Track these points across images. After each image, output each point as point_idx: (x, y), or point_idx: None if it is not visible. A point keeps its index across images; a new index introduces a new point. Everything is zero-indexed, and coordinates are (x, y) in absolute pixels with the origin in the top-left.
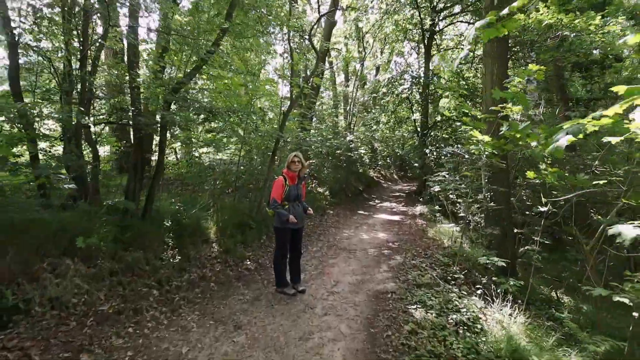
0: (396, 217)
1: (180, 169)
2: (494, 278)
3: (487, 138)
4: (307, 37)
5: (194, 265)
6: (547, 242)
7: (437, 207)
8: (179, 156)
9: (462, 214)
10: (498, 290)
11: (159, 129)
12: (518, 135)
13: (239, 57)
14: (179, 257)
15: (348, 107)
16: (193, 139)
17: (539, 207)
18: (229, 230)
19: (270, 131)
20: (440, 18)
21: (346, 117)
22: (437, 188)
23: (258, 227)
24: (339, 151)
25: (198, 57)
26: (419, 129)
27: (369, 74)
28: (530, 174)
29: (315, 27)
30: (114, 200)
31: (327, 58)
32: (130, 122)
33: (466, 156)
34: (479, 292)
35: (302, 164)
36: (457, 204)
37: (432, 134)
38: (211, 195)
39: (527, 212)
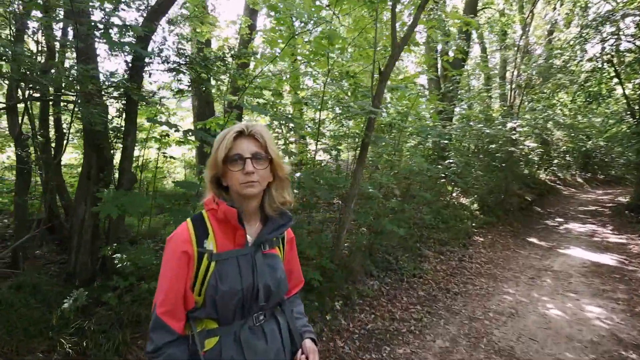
0: (608, 258)
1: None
2: None
3: None
4: None
5: None
6: None
7: None
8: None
9: None
10: None
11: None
12: None
13: None
14: None
15: (509, 85)
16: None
17: None
18: None
19: (357, 104)
20: None
21: (504, 99)
22: None
23: (330, 280)
24: (493, 145)
25: None
26: (635, 107)
27: (536, 46)
28: None
29: None
30: None
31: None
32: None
33: None
34: None
35: (274, 162)
36: None
37: None
38: None
39: None
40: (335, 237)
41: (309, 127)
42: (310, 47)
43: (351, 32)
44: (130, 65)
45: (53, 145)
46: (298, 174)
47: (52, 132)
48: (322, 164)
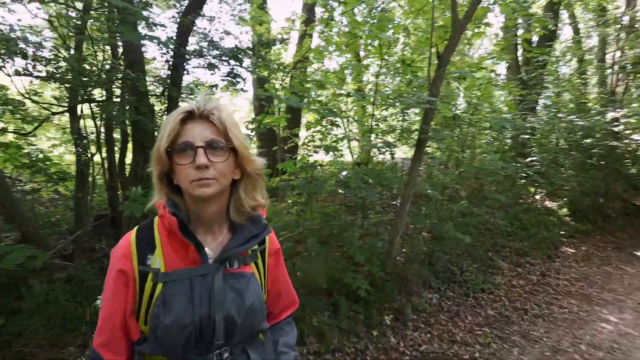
0: None
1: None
2: None
3: None
4: None
5: None
6: None
7: None
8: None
9: None
10: None
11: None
12: None
13: None
14: None
15: (609, 68)
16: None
17: None
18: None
19: (411, 94)
20: None
21: (603, 85)
22: None
23: (380, 291)
24: (588, 140)
25: None
26: None
27: None
28: None
29: None
30: None
31: None
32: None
33: None
34: None
35: (240, 153)
36: None
37: None
38: None
39: None
40: (389, 242)
41: (373, 124)
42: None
43: (407, 14)
44: (171, 63)
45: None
46: (344, 173)
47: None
48: (384, 163)
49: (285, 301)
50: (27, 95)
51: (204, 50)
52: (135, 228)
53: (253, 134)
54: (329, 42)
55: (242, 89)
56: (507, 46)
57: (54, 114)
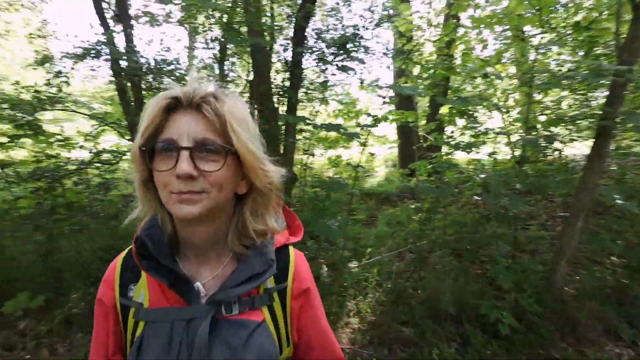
0: None
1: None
2: None
3: None
4: None
5: None
6: None
7: None
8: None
9: None
10: None
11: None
12: None
13: None
14: None
15: None
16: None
17: None
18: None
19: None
20: None
21: None
22: None
23: (532, 331)
24: None
25: None
26: None
27: None
28: None
29: None
30: None
31: None
32: None
33: None
34: None
35: (244, 159)
36: None
37: None
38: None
39: None
40: (550, 267)
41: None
42: None
43: None
44: (290, 63)
45: None
46: (483, 175)
47: None
48: (552, 163)
49: (321, 357)
50: None
51: (315, 45)
52: (125, 251)
53: (362, 130)
54: (482, 21)
55: (357, 82)
56: None
57: None
